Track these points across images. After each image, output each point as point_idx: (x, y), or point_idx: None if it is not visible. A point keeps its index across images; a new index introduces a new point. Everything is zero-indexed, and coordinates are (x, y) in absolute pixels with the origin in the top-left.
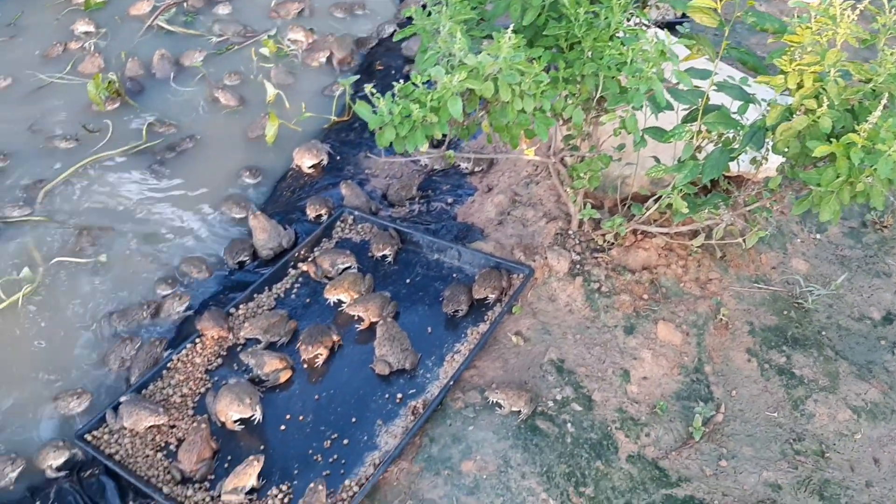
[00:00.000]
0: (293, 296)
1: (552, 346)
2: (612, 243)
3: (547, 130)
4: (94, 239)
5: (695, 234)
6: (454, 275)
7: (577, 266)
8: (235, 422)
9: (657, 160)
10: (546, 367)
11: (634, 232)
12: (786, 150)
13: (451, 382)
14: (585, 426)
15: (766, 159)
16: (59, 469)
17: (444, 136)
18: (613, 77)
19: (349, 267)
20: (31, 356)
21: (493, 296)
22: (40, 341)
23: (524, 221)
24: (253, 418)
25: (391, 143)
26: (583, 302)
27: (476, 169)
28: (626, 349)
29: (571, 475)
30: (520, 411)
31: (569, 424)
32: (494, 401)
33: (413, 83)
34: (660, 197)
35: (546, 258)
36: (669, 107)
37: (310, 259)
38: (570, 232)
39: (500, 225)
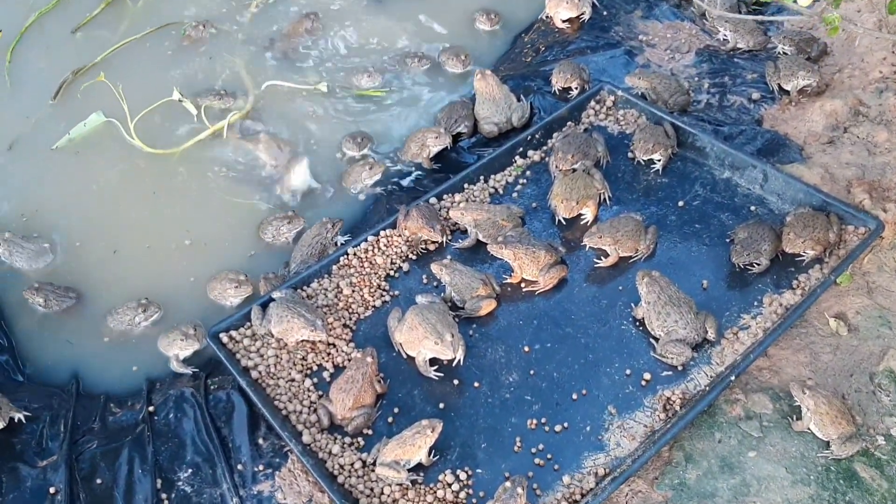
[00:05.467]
0: (515, 194)
1: (893, 347)
2: None
3: None
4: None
5: None
6: (752, 207)
7: None
8: (432, 366)
9: None
10: (880, 381)
11: None
12: None
13: (733, 376)
14: None
15: None
16: (186, 362)
17: None
18: None
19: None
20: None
21: (812, 252)
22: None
23: (871, 146)
24: (453, 361)
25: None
26: None
27: (799, 56)
28: None
29: None
30: (829, 442)
31: None
32: (799, 403)
33: None
34: None
35: None
36: None
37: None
38: None
39: (831, 145)
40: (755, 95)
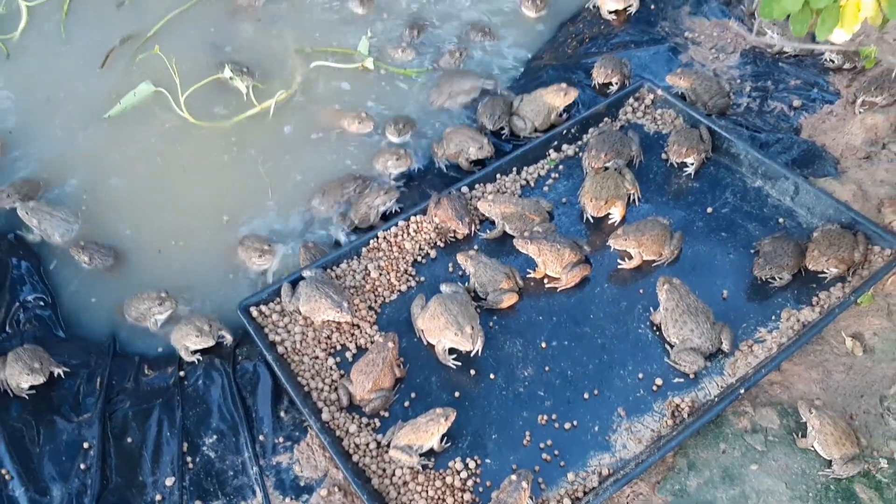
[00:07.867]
0: (546, 187)
1: None
2: None
3: None
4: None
5: None
6: (780, 219)
7: None
8: (451, 355)
9: None
10: (889, 404)
11: None
12: None
13: (743, 389)
14: None
15: None
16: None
17: None
18: None
19: None
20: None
21: (836, 270)
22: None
23: None
24: (471, 352)
25: (786, 18)
26: None
27: (846, 65)
28: None
29: None
30: (831, 461)
31: None
32: (805, 420)
33: None
34: None
35: None
36: None
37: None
38: None
39: (868, 160)
40: (796, 103)
